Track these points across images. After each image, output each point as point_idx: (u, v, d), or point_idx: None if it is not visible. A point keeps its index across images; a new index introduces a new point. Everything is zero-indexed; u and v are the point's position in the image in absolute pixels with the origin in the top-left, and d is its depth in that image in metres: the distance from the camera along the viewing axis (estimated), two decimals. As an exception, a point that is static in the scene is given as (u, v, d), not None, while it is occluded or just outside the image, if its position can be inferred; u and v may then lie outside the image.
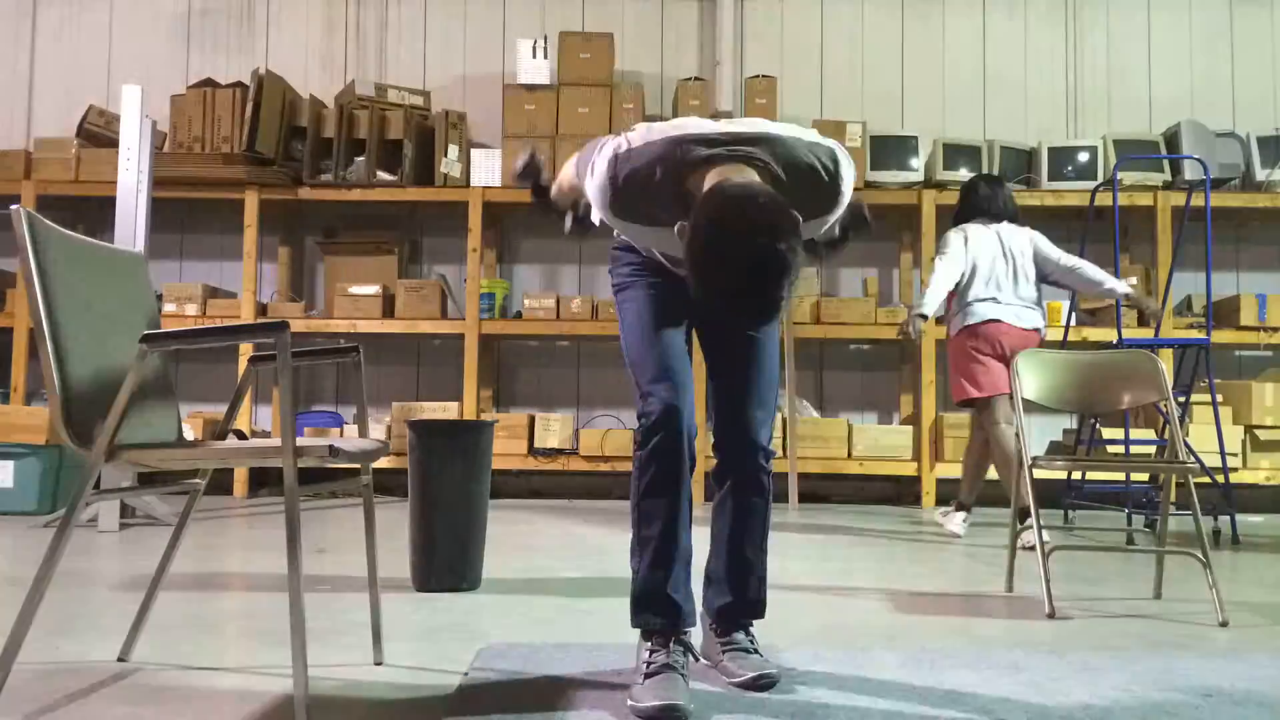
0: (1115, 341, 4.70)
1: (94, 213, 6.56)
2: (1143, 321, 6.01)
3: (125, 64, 6.72)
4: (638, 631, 2.02)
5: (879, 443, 5.97)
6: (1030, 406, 3.21)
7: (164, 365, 2.16)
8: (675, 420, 1.93)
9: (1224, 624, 2.66)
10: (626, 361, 2.05)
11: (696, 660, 2.09)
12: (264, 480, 6.39)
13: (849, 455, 5.94)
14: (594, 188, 1.87)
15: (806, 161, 1.83)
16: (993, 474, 5.99)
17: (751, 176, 1.76)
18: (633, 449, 1.99)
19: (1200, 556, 2.79)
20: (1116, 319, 4.80)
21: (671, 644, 1.95)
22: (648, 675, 1.88)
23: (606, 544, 4.12)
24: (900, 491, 6.39)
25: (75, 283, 1.91)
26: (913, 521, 5.18)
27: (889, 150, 6.11)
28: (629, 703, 1.84)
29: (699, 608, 2.13)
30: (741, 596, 2.10)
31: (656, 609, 1.97)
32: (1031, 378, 3.18)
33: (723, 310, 1.70)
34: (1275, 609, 2.92)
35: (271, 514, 5.08)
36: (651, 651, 1.94)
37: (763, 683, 1.96)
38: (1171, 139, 6.11)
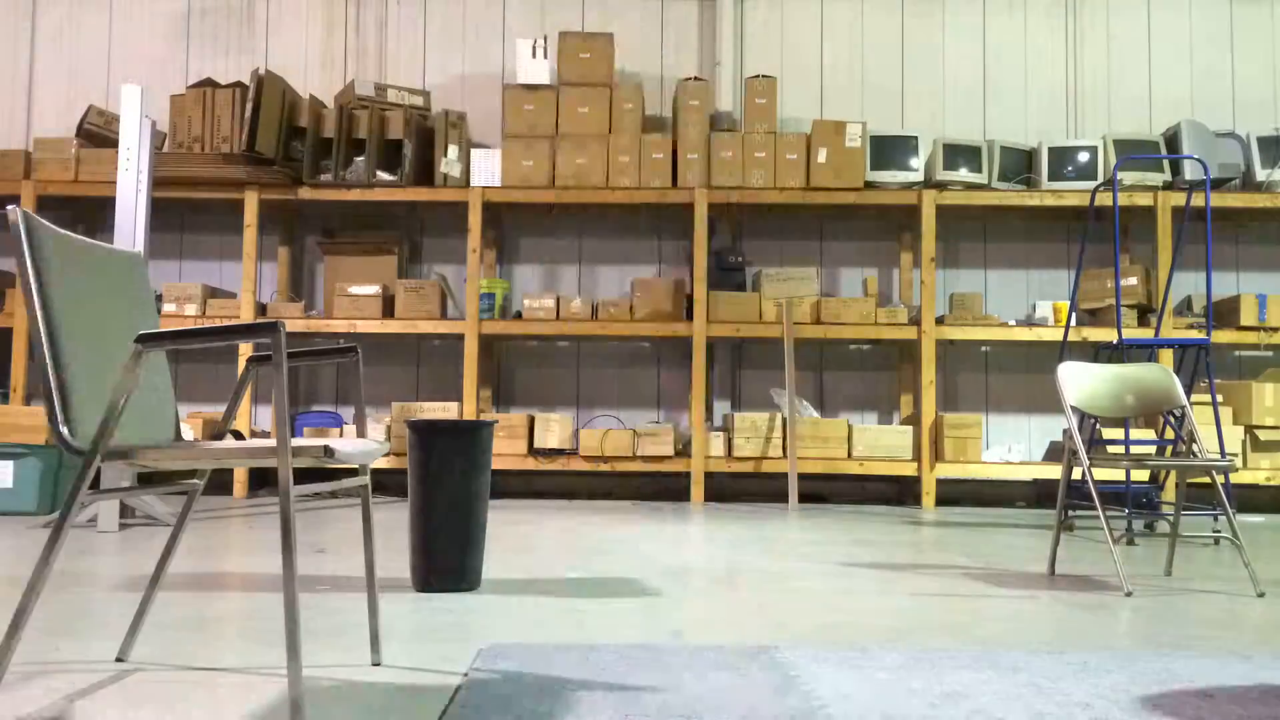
0: (1115, 342, 4.70)
1: (94, 213, 6.57)
2: (1143, 320, 6.01)
3: (125, 64, 6.72)
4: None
5: (879, 443, 5.96)
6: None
7: (163, 365, 2.16)
8: None
9: (1261, 595, 3.12)
10: None
11: None
12: (264, 480, 6.39)
13: (849, 455, 5.94)
14: None
15: None
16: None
17: None
18: None
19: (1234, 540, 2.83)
20: (1116, 319, 4.79)
21: None
22: None
23: (606, 544, 4.12)
24: (900, 491, 6.39)
25: (73, 283, 1.91)
26: (913, 521, 5.17)
27: (889, 150, 6.11)
28: None
29: None
30: None
31: None
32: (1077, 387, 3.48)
33: None
34: (1275, 609, 2.92)
35: (271, 514, 5.08)
36: None
37: None
38: (1171, 139, 6.10)
